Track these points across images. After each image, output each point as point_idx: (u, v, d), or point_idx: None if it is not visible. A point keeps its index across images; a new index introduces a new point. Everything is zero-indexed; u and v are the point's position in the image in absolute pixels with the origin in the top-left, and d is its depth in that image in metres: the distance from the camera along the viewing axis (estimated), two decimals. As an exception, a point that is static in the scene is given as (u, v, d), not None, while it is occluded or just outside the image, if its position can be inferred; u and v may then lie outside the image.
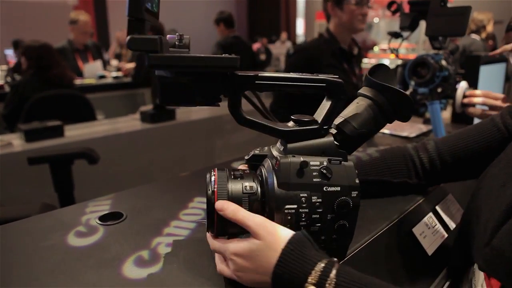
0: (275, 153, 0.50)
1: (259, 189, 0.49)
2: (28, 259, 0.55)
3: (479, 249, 0.51)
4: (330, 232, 0.48)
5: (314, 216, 0.47)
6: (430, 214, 0.74)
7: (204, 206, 0.71)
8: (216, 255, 0.52)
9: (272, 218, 0.47)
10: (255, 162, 0.54)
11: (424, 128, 1.37)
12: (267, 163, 0.51)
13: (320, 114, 0.50)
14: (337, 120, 0.51)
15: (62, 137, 1.87)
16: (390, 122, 0.51)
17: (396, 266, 0.62)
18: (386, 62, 5.60)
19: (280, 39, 7.80)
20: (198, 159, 2.39)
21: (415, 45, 6.15)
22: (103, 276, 0.51)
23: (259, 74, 0.47)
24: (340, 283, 0.40)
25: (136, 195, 0.79)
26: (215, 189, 0.48)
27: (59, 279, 0.50)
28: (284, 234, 0.44)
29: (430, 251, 0.68)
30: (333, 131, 0.51)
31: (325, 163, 0.47)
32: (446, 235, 0.73)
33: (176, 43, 0.46)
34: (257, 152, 0.56)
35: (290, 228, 0.46)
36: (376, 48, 6.35)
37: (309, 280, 0.40)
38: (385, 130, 1.33)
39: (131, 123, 2.23)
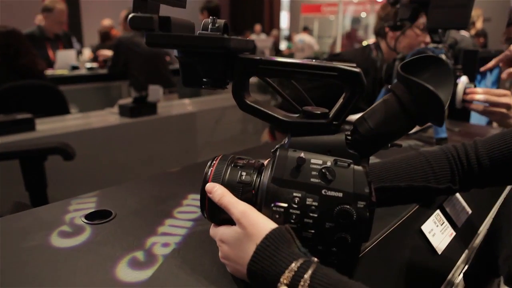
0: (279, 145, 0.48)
1: (257, 181, 0.48)
2: (7, 262, 0.51)
3: (508, 260, 0.48)
4: (329, 244, 0.44)
5: (306, 220, 0.43)
6: (438, 211, 0.74)
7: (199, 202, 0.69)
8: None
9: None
10: None
11: (421, 124, 1.38)
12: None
13: (334, 108, 0.48)
14: (357, 119, 0.48)
15: (33, 131, 1.80)
16: (418, 125, 0.44)
17: (407, 264, 0.61)
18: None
19: (254, 31, 7.76)
20: (180, 155, 2.35)
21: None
22: (95, 279, 0.48)
23: (263, 58, 0.46)
24: (314, 285, 0.37)
25: (124, 192, 0.75)
26: (211, 172, 0.48)
27: (46, 283, 0.47)
28: (264, 226, 0.42)
29: (439, 249, 0.67)
30: (350, 129, 0.48)
31: (328, 164, 0.44)
32: (454, 233, 0.73)
33: (210, 26, 0.45)
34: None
35: None
36: (365, 43, 6.43)
37: (282, 280, 0.38)
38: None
39: (108, 117, 2.16)
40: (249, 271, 0.42)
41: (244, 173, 0.48)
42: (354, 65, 0.44)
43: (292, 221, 0.44)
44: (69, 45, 3.56)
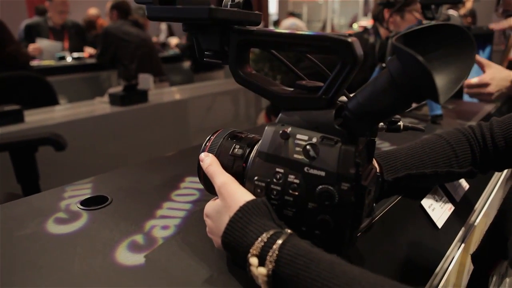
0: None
1: (245, 155, 0.48)
2: (2, 251, 0.49)
3: None
4: (312, 226, 0.42)
5: (287, 197, 0.42)
6: (437, 186, 0.74)
7: (198, 186, 0.68)
8: None
9: (245, 188, 0.44)
10: None
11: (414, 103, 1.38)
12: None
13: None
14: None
15: (22, 123, 1.76)
16: (414, 101, 0.39)
17: (409, 239, 0.61)
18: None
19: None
20: (172, 142, 2.33)
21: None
22: (95, 264, 0.47)
23: (256, 30, 0.44)
24: (283, 256, 0.36)
25: (120, 177, 0.74)
26: (208, 144, 0.50)
27: (44, 270, 0.45)
28: (240, 198, 0.42)
29: (439, 223, 0.67)
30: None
31: (314, 140, 0.41)
32: (453, 208, 0.73)
33: (230, 2, 0.45)
34: None
35: None
36: (355, 26, 6.38)
37: (251, 250, 0.37)
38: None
39: (99, 106, 2.13)
40: (223, 243, 0.41)
41: (237, 146, 0.48)
42: (347, 34, 0.41)
43: (273, 196, 0.42)
44: (78, 36, 3.49)
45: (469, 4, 3.81)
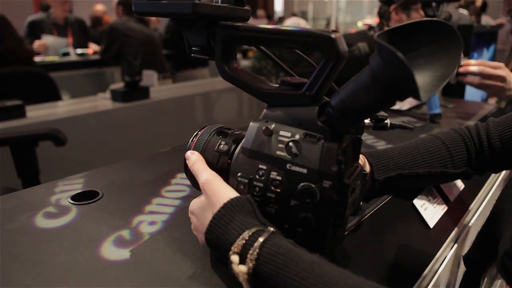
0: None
1: (230, 151, 0.47)
2: (-10, 243, 0.50)
3: (506, 245, 0.46)
4: (294, 223, 0.42)
5: (269, 194, 0.42)
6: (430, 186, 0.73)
7: (187, 181, 0.68)
8: None
9: (229, 185, 0.45)
10: None
11: (414, 101, 1.37)
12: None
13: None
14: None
15: (23, 118, 1.77)
16: (397, 99, 0.37)
17: (399, 238, 0.61)
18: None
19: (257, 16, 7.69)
20: (174, 139, 2.33)
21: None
22: (80, 258, 0.47)
23: (240, 25, 0.44)
24: (263, 254, 0.35)
25: (112, 173, 0.74)
26: (195, 139, 0.51)
27: (29, 263, 0.46)
28: (223, 195, 0.41)
29: (431, 223, 0.67)
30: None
31: (297, 137, 0.41)
32: (446, 208, 0.73)
33: None
34: None
35: None
36: (359, 23, 6.35)
37: (232, 248, 0.37)
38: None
39: (101, 102, 2.14)
40: (206, 240, 0.41)
41: (223, 143, 0.48)
42: (331, 30, 0.40)
43: (255, 193, 0.42)
44: (81, 32, 3.51)
45: (478, 4, 3.77)
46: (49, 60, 3.04)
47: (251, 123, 0.44)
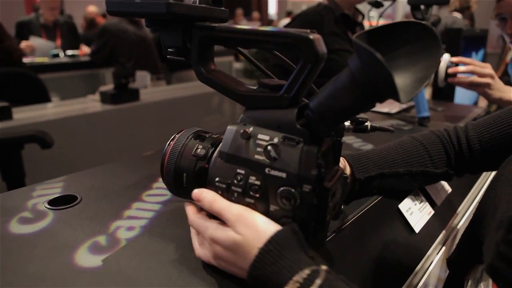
0: None
1: (208, 156, 0.46)
2: (-41, 250, 0.48)
3: (490, 247, 0.45)
4: None
5: (248, 200, 0.41)
6: (416, 190, 0.72)
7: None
8: (194, 235, 0.47)
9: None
10: None
11: (404, 104, 1.36)
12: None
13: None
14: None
15: (10, 120, 1.75)
16: (376, 100, 0.36)
17: (383, 243, 0.60)
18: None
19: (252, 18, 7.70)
20: (164, 142, 2.31)
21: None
22: (51, 266, 0.45)
23: (217, 26, 0.43)
24: None
25: (93, 177, 0.72)
26: (172, 143, 0.49)
27: (-3, 271, 0.44)
28: (265, 229, 0.39)
29: (417, 228, 0.66)
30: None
31: (275, 140, 0.40)
32: (433, 212, 0.72)
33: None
34: None
35: None
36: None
37: None
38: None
39: (89, 104, 2.11)
40: (251, 277, 0.38)
41: (200, 146, 0.47)
42: (308, 31, 0.39)
43: (234, 199, 0.42)
44: (70, 33, 3.47)
45: (473, 8, 3.80)
46: (39, 62, 3.01)
47: (228, 126, 0.43)
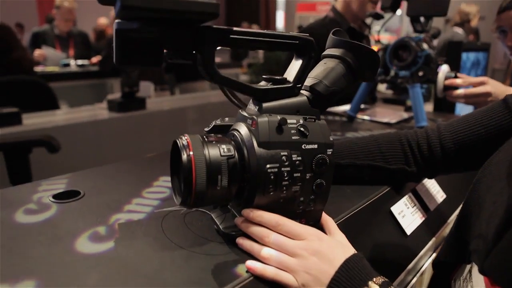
0: (247, 114, 0.51)
1: (236, 152, 0.48)
2: (-32, 236, 0.51)
3: (478, 248, 0.47)
4: (309, 193, 0.50)
5: (295, 174, 0.48)
6: (410, 194, 0.74)
7: (170, 184, 0.69)
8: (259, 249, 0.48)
9: (254, 180, 0.47)
10: (217, 133, 0.54)
11: (405, 114, 1.39)
12: (241, 126, 0.51)
13: (291, 73, 0.52)
14: (308, 82, 0.53)
15: (19, 125, 1.80)
16: (359, 80, 0.55)
17: (373, 245, 0.62)
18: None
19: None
20: (168, 150, 2.34)
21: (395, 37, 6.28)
22: (53, 251, 0.48)
23: (233, 28, 0.46)
24: None
25: (97, 174, 0.76)
26: (192, 154, 0.45)
27: (4, 257, 0.47)
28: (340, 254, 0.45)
29: (408, 230, 0.68)
30: (305, 92, 0.53)
31: (301, 121, 0.49)
32: (425, 216, 0.74)
33: None
34: (218, 122, 0.58)
35: (274, 187, 0.47)
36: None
37: None
38: (365, 116, 1.34)
39: (97, 111, 2.17)
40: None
41: (223, 146, 0.48)
42: (308, 34, 0.50)
43: (285, 178, 0.47)
44: (83, 45, 3.58)
45: (474, 22, 3.83)
46: (50, 70, 3.09)
47: (259, 120, 0.47)
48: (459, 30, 3.65)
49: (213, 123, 0.59)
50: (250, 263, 0.46)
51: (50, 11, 4.34)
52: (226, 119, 0.61)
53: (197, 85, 3.41)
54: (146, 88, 2.67)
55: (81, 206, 0.62)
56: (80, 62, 3.41)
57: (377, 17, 1.27)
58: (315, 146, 0.49)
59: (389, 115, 1.37)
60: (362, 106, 1.49)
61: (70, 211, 0.60)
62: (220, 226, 0.52)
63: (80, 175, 0.76)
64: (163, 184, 0.71)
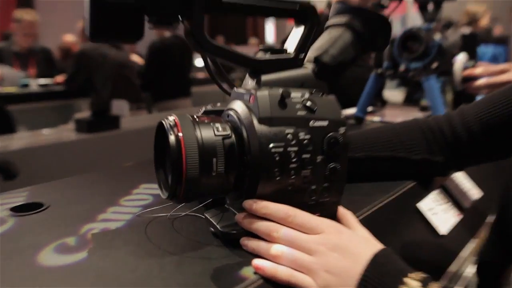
0: (244, 91, 0.48)
1: (232, 132, 0.45)
2: None
3: None
4: (321, 179, 0.46)
5: (304, 156, 0.45)
6: (440, 189, 0.72)
7: (152, 191, 0.66)
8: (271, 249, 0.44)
9: (255, 162, 0.43)
10: None
11: (420, 114, 1.38)
12: (236, 103, 0.48)
13: (292, 43, 0.51)
14: (311, 53, 0.52)
15: (-30, 151, 1.75)
16: (368, 50, 0.56)
17: (401, 244, 0.58)
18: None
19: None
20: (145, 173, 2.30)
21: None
22: (11, 266, 0.44)
23: None
24: None
25: (65, 185, 0.72)
26: (181, 135, 0.42)
27: None
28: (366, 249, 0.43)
29: (442, 230, 0.65)
30: (308, 65, 0.52)
31: (307, 95, 0.46)
32: (462, 215, 0.71)
33: None
34: (209, 108, 0.57)
35: (280, 171, 0.44)
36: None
37: None
38: (375, 118, 1.33)
39: (62, 134, 2.13)
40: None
41: (217, 125, 0.45)
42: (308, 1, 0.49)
43: (293, 160, 0.44)
44: (46, 62, 3.54)
45: (484, 21, 3.93)
46: (7, 92, 3.05)
47: (257, 93, 0.45)
48: (468, 30, 3.74)
49: (203, 109, 0.57)
50: (258, 262, 0.42)
51: (7, 28, 4.33)
52: (218, 104, 0.59)
53: (177, 103, 3.38)
54: (119, 107, 2.65)
55: (45, 217, 0.58)
56: (42, 81, 3.38)
57: (381, 7, 1.27)
58: (325, 123, 0.46)
59: (401, 115, 1.36)
60: (370, 109, 1.48)
61: (32, 223, 0.56)
62: (217, 226, 0.48)
63: (44, 187, 0.72)
64: (146, 192, 0.68)
